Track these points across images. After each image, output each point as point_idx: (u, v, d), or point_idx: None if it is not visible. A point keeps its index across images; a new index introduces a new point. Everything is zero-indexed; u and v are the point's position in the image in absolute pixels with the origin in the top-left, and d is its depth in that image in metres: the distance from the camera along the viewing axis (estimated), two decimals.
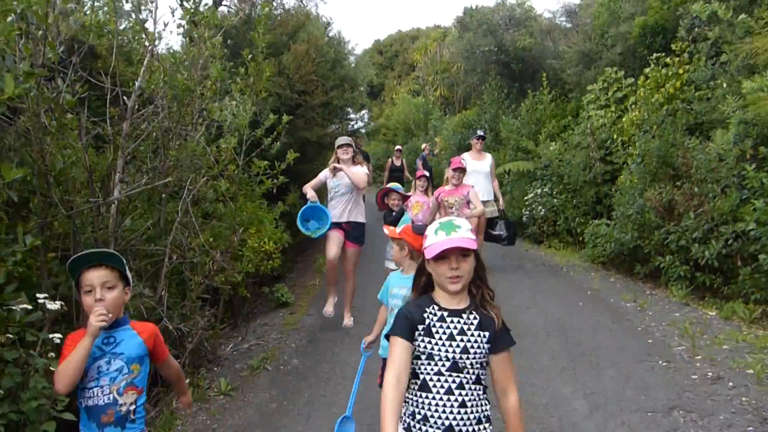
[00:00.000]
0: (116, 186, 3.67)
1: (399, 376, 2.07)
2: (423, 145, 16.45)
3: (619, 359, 5.15)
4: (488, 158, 8.74)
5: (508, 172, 13.44)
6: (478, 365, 2.12)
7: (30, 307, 2.80)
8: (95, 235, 3.57)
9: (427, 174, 7.55)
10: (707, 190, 7.29)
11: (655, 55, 10.31)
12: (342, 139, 6.24)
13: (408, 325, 2.13)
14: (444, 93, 23.07)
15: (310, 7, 12.56)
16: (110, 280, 2.34)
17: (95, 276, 2.32)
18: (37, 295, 2.81)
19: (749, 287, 6.54)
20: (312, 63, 7.94)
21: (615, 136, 10.93)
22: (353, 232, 6.20)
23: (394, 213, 6.14)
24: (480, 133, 9.11)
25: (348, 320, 6.37)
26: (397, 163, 13.40)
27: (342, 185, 6.08)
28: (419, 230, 3.37)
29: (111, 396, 2.36)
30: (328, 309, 6.22)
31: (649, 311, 6.69)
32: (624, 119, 10.90)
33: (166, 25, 8.64)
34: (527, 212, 12.14)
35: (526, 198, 12.24)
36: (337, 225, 6.09)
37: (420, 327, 2.12)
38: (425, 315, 2.14)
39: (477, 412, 2.11)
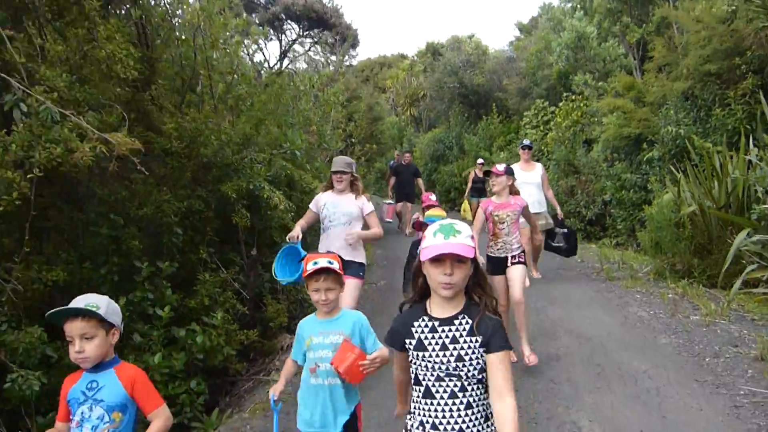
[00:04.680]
0: None
1: (402, 368, 2.30)
2: (395, 153, 21.25)
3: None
4: (538, 168, 8.11)
5: (470, 174, 18.93)
6: (478, 372, 2.08)
7: None
8: None
9: (434, 198, 6.28)
10: (589, 179, 12.92)
11: (565, 94, 15.94)
12: (336, 164, 5.15)
13: (398, 339, 2.19)
14: (413, 113, 28.60)
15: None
16: (88, 331, 2.31)
17: (73, 328, 2.31)
18: None
19: (610, 231, 12.17)
20: (367, 114, 13.10)
21: (543, 148, 16.48)
22: (349, 270, 4.69)
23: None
24: (526, 142, 8.30)
25: None
26: (480, 174, 12.94)
27: (339, 214, 5.02)
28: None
29: None
30: None
31: None
32: (548, 136, 16.45)
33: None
34: (469, 198, 17.59)
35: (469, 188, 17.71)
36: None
37: (409, 341, 2.14)
38: (413, 329, 2.14)
39: (483, 410, 2.09)
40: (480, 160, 13.84)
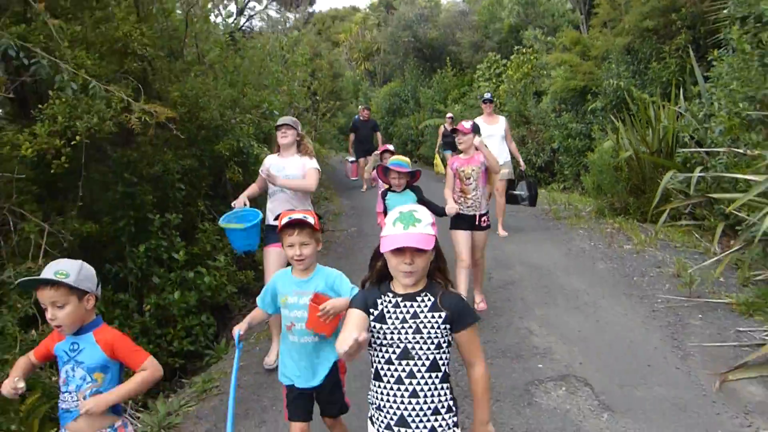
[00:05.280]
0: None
1: (356, 327, 2.08)
2: (360, 107, 21.65)
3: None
4: (501, 121, 8.18)
5: (426, 126, 19.65)
6: (434, 348, 2.06)
7: None
8: None
9: (391, 148, 6.80)
10: (539, 129, 13.84)
11: (516, 47, 16.66)
12: (283, 119, 4.82)
13: (363, 303, 2.16)
14: (368, 67, 28.91)
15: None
16: (58, 299, 2.32)
17: (44, 296, 2.34)
18: None
19: (558, 176, 13.19)
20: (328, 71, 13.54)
21: (495, 100, 17.26)
22: None
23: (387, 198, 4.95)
24: (487, 96, 8.30)
25: None
26: (449, 128, 12.98)
27: (282, 177, 4.60)
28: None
29: (78, 403, 2.38)
30: (269, 359, 4.58)
31: None
32: (500, 88, 17.23)
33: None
34: (441, 151, 18.44)
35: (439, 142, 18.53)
36: (275, 231, 3.41)
37: (373, 311, 2.13)
38: (379, 301, 2.15)
39: (432, 402, 2.06)
40: (449, 115, 13.98)
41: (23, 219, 4.42)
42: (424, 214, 2.07)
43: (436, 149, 14.27)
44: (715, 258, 5.66)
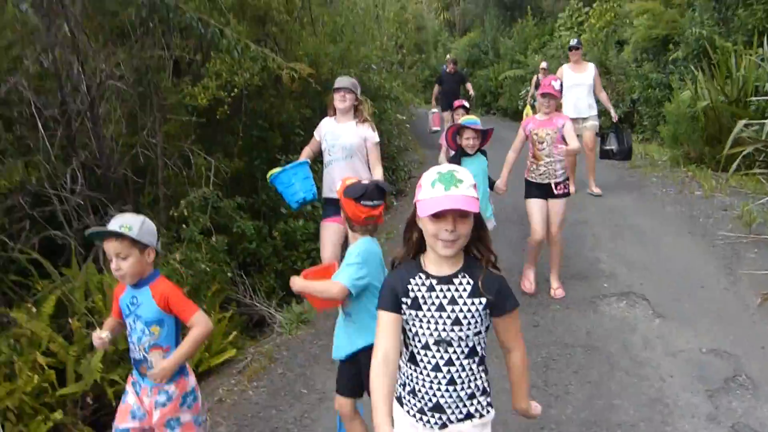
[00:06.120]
0: None
1: (387, 356, 1.91)
2: (447, 57, 17.42)
3: None
4: (590, 68, 7.72)
5: (506, 78, 19.90)
6: (473, 335, 1.92)
7: None
8: None
9: (467, 104, 6.71)
10: (620, 79, 13.97)
11: None
12: (340, 81, 4.66)
13: (392, 296, 1.94)
14: (447, 17, 29.03)
15: None
16: (122, 251, 2.48)
17: (109, 247, 2.50)
18: None
19: (638, 127, 13.38)
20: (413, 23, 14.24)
21: None
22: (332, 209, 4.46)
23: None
24: (574, 42, 7.92)
25: None
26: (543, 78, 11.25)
27: (338, 147, 4.57)
28: (350, 193, 2.62)
29: (141, 354, 2.59)
30: None
31: None
32: (582, 37, 17.22)
33: None
34: (521, 102, 18.73)
35: (520, 93, 18.80)
36: (333, 204, 4.23)
37: (405, 299, 1.93)
38: (410, 287, 1.93)
39: (470, 387, 1.96)
40: (543, 64, 12.89)
41: (194, 155, 5.74)
42: (466, 174, 1.85)
43: (528, 100, 13.52)
44: None
